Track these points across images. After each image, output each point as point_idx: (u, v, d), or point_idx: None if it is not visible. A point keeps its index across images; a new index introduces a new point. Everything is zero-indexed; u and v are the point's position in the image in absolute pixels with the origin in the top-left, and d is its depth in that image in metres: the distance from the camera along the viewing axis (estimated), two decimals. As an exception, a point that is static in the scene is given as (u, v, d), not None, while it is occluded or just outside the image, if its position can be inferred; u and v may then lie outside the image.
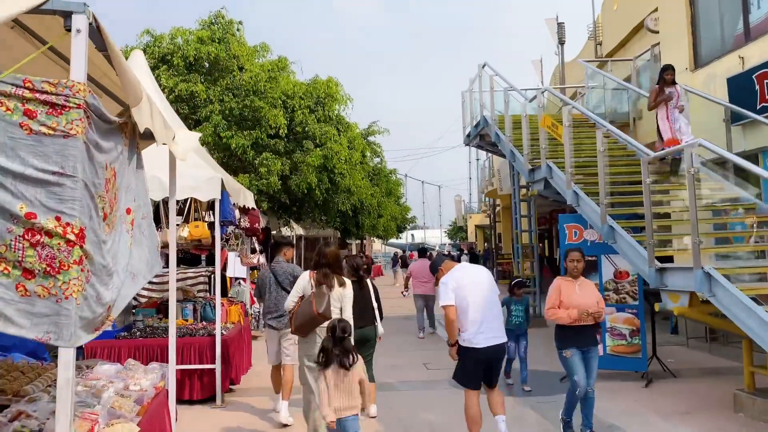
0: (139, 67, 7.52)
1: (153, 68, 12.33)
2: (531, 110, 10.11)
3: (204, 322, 7.82)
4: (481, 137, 12.63)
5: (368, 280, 6.40)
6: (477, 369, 4.82)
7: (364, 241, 34.21)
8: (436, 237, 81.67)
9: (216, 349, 6.64)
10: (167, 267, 11.98)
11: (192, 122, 12.56)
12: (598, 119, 7.68)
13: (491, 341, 4.75)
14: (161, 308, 8.04)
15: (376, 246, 50.49)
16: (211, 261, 13.34)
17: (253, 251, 9.09)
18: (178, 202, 6.91)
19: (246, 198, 8.35)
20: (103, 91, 3.40)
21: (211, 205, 8.05)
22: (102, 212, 2.27)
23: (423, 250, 13.72)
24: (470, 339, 4.73)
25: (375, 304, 6.26)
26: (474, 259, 26.42)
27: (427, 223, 78.27)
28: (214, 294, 12.05)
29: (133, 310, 7.96)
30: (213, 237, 7.47)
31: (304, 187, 12.79)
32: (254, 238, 9.17)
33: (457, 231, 76.88)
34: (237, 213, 7.82)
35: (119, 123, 2.59)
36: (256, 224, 8.68)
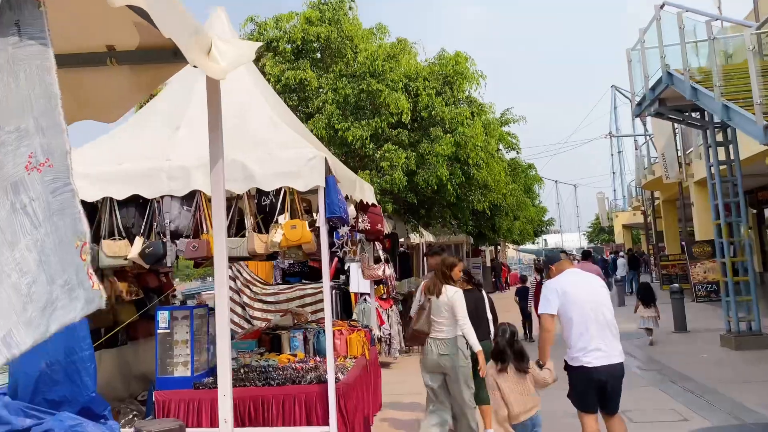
0: (220, 25, 5.84)
1: (257, 58, 10.87)
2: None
3: (317, 357, 5.88)
4: (660, 102, 9.72)
5: (483, 291, 6.10)
6: (589, 391, 4.23)
7: (499, 247, 31.39)
8: (573, 241, 75.98)
9: (329, 403, 4.60)
10: (282, 283, 10.35)
11: (304, 115, 10.92)
12: None
13: (605, 360, 4.16)
14: (264, 339, 6.22)
15: (510, 253, 47.14)
16: (338, 275, 11.63)
17: (377, 261, 7.05)
18: (268, 194, 5.01)
19: (364, 191, 6.35)
20: None
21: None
22: None
23: (587, 253, 12.61)
24: (579, 357, 4.19)
25: (489, 316, 5.81)
26: (634, 262, 22.72)
27: (562, 226, 73.12)
28: (337, 316, 10.25)
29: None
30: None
31: (434, 182, 10.62)
32: (377, 244, 7.13)
33: (598, 233, 70.86)
34: (352, 209, 5.81)
35: None
36: (379, 225, 6.63)
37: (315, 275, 10.29)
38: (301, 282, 10.23)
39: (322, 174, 4.64)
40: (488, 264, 29.16)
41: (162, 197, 4.71)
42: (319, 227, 4.75)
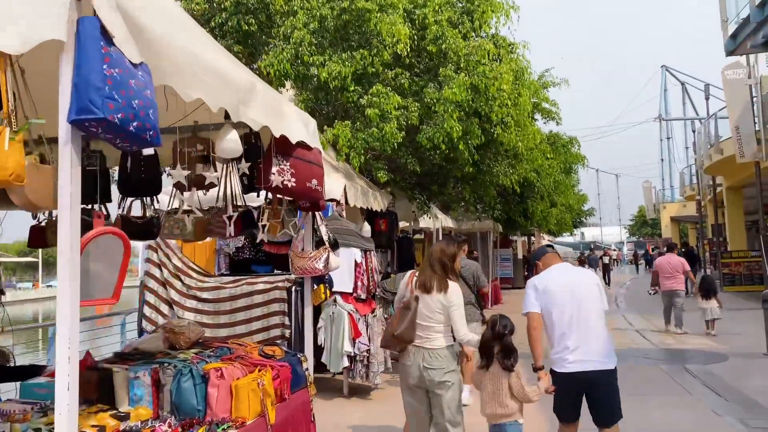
0: None
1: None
2: None
3: (173, 419, 3.15)
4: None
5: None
6: (568, 399, 3.99)
7: (532, 238, 28.15)
8: (613, 234, 71.60)
9: None
10: (231, 273, 7.60)
11: (261, 50, 8.12)
12: None
13: (585, 366, 3.86)
14: (90, 379, 3.45)
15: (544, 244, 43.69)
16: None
17: (320, 244, 4.18)
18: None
19: (282, 114, 3.51)
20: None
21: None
22: None
23: (671, 246, 13.03)
24: (556, 360, 3.97)
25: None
26: (692, 258, 19.34)
27: (602, 219, 68.86)
28: (297, 327, 7.42)
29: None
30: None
31: (441, 140, 7.68)
32: (318, 218, 4.25)
33: (640, 226, 66.33)
34: (231, 137, 2.98)
35: None
36: (314, 183, 3.78)
37: (278, 264, 7.50)
38: (253, 273, 7.47)
39: (61, 12, 1.82)
40: (520, 257, 26.00)
41: None
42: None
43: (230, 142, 2.92)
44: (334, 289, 7.02)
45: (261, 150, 3.80)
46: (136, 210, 4.43)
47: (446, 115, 7.53)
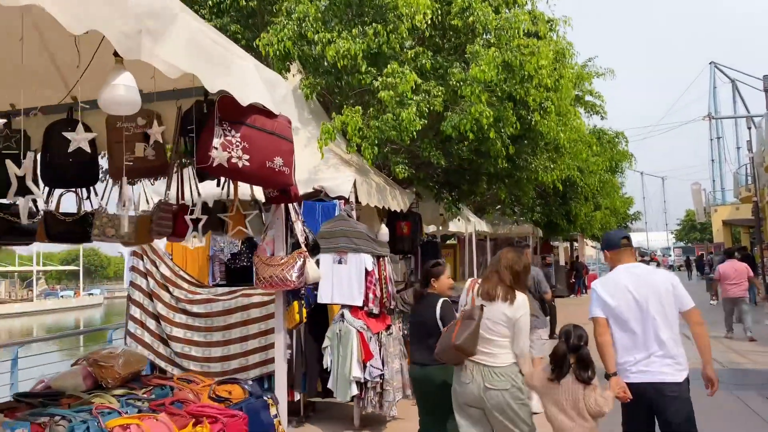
0: None
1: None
2: None
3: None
4: None
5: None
6: (632, 412, 3.63)
7: (575, 244, 26.51)
8: (659, 240, 68.61)
9: None
10: (228, 284, 6.61)
11: (259, 27, 7.17)
12: None
13: (648, 377, 3.52)
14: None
15: (587, 251, 41.49)
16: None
17: (296, 246, 3.14)
18: None
19: (209, 52, 2.48)
20: None
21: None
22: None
23: (730, 252, 12.47)
24: (621, 371, 3.59)
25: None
26: (750, 263, 17.53)
27: (647, 223, 66.03)
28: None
29: None
30: None
31: (467, 128, 6.55)
32: (294, 212, 3.20)
33: (688, 231, 63.29)
34: (119, 82, 1.97)
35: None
36: (277, 162, 2.75)
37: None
38: (250, 284, 6.49)
39: None
40: (561, 263, 24.43)
41: None
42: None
43: (117, 89, 1.89)
44: (342, 303, 6.05)
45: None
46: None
47: (474, 98, 6.41)
